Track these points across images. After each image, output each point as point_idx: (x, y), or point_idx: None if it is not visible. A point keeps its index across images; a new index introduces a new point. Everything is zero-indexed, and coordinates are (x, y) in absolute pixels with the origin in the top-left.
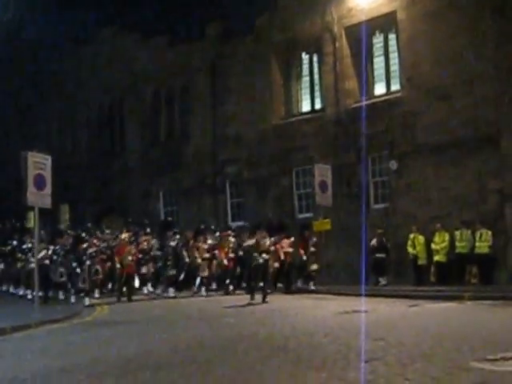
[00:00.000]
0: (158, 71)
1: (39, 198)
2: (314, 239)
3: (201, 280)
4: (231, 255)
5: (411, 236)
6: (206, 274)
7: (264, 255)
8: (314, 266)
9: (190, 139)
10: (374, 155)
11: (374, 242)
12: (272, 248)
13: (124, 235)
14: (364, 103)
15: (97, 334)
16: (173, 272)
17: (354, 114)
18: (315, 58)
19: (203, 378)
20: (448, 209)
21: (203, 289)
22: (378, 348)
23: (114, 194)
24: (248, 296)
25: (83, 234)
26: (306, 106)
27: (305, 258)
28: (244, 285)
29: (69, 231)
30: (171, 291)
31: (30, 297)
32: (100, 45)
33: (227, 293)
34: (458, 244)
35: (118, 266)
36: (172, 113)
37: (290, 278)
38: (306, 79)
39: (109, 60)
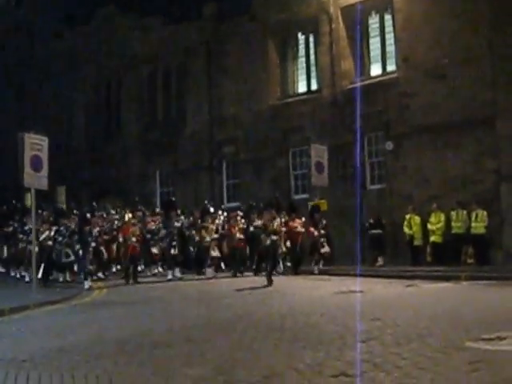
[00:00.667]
0: (154, 52)
1: (36, 179)
2: (324, 221)
3: (210, 261)
4: (240, 236)
5: (407, 216)
6: (215, 254)
7: (272, 236)
8: (325, 249)
9: (187, 120)
10: (370, 136)
11: (370, 220)
12: (283, 228)
13: (128, 215)
14: (360, 84)
15: (95, 314)
16: (178, 253)
17: (350, 95)
18: (311, 39)
19: (200, 357)
20: (444, 189)
21: (212, 270)
22: (375, 328)
23: (110, 176)
24: (256, 278)
25: (88, 215)
26: (302, 87)
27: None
28: (254, 267)
29: (75, 211)
30: (177, 272)
31: (27, 279)
32: (96, 25)
33: (235, 274)
34: (453, 224)
35: (122, 247)
36: (169, 94)
37: (300, 259)
38: (302, 60)
39: (105, 40)
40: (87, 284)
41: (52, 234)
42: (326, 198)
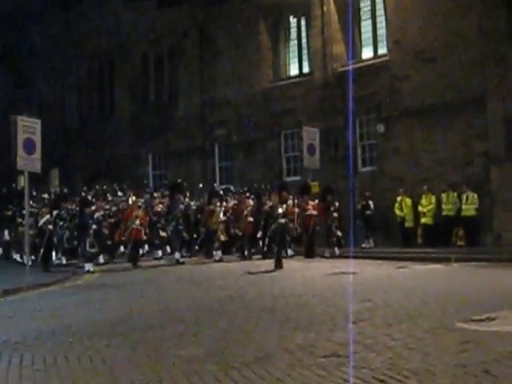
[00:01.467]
0: (146, 34)
1: (29, 162)
2: (337, 204)
3: (217, 245)
4: (250, 219)
5: (398, 198)
6: (222, 238)
7: (281, 220)
8: (338, 233)
9: (179, 102)
10: (362, 118)
11: (362, 202)
12: (296, 209)
13: (132, 198)
14: (351, 67)
15: (88, 296)
16: (185, 236)
17: (342, 78)
18: (303, 22)
19: (192, 338)
20: (435, 171)
21: (219, 253)
22: (366, 309)
23: (103, 158)
24: (266, 261)
25: (89, 197)
26: (294, 70)
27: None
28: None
29: (84, 192)
30: (177, 255)
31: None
32: (88, 7)
33: (244, 258)
34: (444, 206)
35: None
36: (161, 76)
37: (312, 242)
38: (293, 43)
39: (97, 23)
40: (88, 267)
41: (52, 217)
42: (318, 181)
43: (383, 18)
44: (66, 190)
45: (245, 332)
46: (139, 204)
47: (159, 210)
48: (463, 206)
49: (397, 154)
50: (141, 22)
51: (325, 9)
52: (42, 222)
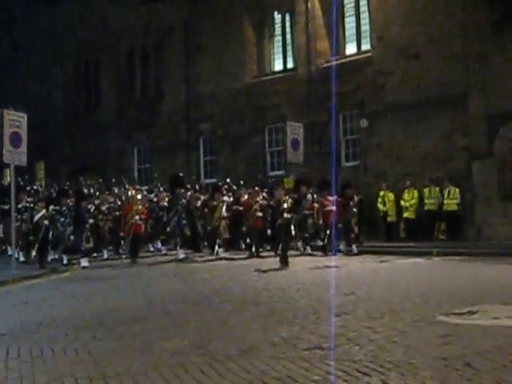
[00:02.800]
0: (131, 29)
1: (15, 155)
2: (357, 198)
3: (219, 242)
4: (259, 214)
5: (381, 193)
6: (226, 235)
7: (286, 215)
8: (356, 229)
9: (165, 97)
10: (345, 114)
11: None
12: (315, 205)
13: (131, 192)
14: (335, 63)
15: (73, 289)
16: (187, 232)
17: (326, 74)
18: (287, 18)
19: (177, 330)
20: (417, 166)
21: (221, 251)
22: (349, 302)
23: (89, 152)
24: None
25: (85, 190)
26: (278, 65)
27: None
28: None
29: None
30: (181, 252)
31: (22, 259)
32: (74, 2)
33: (252, 255)
34: (426, 201)
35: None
36: (146, 71)
37: (329, 239)
38: (278, 39)
39: (83, 17)
40: (84, 262)
41: (48, 212)
42: (302, 175)
43: (367, 14)
44: (55, 184)
45: (229, 325)
46: (139, 198)
47: (165, 204)
48: (445, 201)
49: (380, 149)
50: (127, 16)
51: (309, 5)
52: (37, 217)
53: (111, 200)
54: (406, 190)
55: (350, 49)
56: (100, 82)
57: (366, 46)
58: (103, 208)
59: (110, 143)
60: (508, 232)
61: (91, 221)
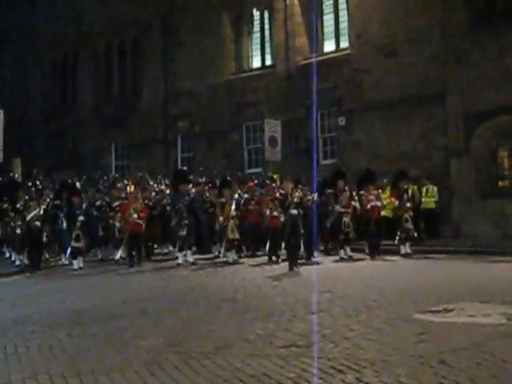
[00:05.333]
0: (110, 24)
1: None
2: (411, 191)
3: (226, 243)
4: (275, 213)
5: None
6: (235, 236)
7: (292, 210)
8: (409, 225)
9: (142, 93)
10: (323, 111)
11: None
12: (354, 203)
13: (130, 188)
14: (314, 60)
15: (50, 286)
16: (183, 233)
17: (304, 71)
18: (266, 15)
19: (153, 328)
20: (395, 164)
21: (228, 254)
22: (325, 300)
23: (66, 148)
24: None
25: (78, 184)
26: (256, 62)
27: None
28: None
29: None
30: (190, 256)
31: (17, 262)
32: None
33: (271, 259)
34: None
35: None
36: (124, 66)
37: (377, 238)
38: (256, 35)
39: (62, 12)
40: (75, 264)
41: (41, 212)
42: (279, 173)
43: (345, 11)
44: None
45: (205, 322)
46: (134, 195)
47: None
48: (423, 199)
49: (357, 147)
50: (105, 12)
51: (288, 2)
52: (29, 217)
53: (123, 196)
54: (384, 189)
55: (329, 46)
56: (77, 78)
57: (344, 44)
58: (115, 204)
59: (88, 139)
60: (486, 230)
61: (81, 218)
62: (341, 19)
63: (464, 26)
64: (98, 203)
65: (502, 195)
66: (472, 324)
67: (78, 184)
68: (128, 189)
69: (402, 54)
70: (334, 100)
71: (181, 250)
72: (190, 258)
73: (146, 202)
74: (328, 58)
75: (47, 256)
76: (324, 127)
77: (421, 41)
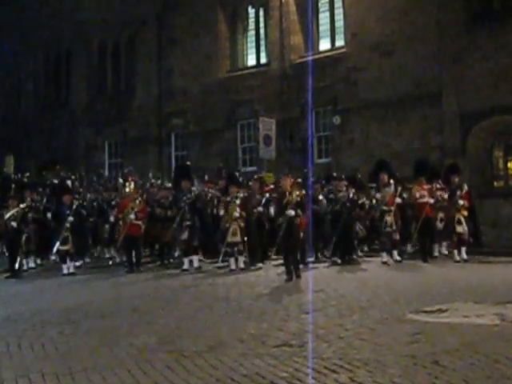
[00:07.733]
0: (104, 22)
1: None
2: (466, 188)
3: (227, 247)
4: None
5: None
6: (237, 239)
7: (289, 211)
8: (462, 228)
9: (136, 91)
10: (318, 110)
11: None
12: (398, 200)
13: (130, 186)
14: (309, 58)
15: (42, 285)
16: (183, 236)
17: (299, 69)
18: (261, 13)
19: (145, 327)
20: (390, 164)
21: (232, 260)
22: (319, 300)
23: (59, 145)
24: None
25: (69, 182)
26: (251, 60)
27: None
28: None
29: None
30: (196, 261)
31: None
32: None
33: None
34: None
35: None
36: (118, 64)
37: (431, 240)
38: (251, 33)
39: (55, 10)
40: (65, 269)
41: (20, 211)
42: (273, 172)
43: (341, 10)
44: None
45: (198, 321)
46: (132, 194)
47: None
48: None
49: (352, 146)
50: (99, 9)
51: (283, 0)
52: (6, 216)
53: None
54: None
55: (324, 45)
56: (71, 75)
57: (340, 42)
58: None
59: (81, 137)
60: (482, 230)
61: (71, 218)
62: (336, 18)
63: (460, 26)
64: (94, 203)
65: (497, 195)
66: (466, 324)
67: (68, 182)
68: (127, 186)
69: (398, 53)
70: (329, 99)
71: (186, 255)
72: (196, 263)
73: (163, 201)
74: (323, 56)
75: (39, 262)
76: (319, 126)
77: (417, 40)
